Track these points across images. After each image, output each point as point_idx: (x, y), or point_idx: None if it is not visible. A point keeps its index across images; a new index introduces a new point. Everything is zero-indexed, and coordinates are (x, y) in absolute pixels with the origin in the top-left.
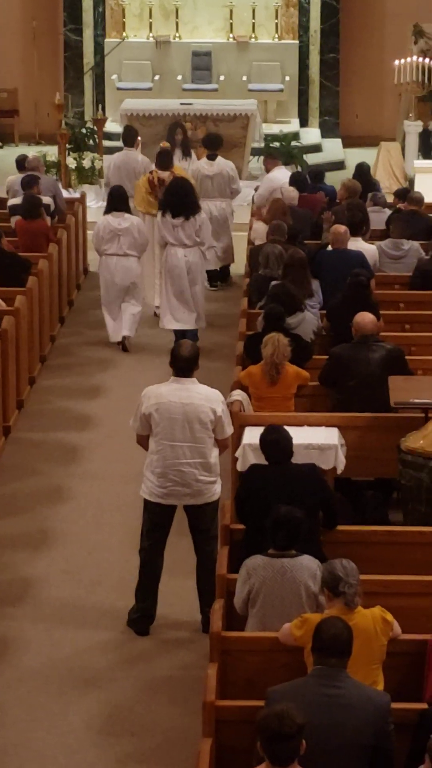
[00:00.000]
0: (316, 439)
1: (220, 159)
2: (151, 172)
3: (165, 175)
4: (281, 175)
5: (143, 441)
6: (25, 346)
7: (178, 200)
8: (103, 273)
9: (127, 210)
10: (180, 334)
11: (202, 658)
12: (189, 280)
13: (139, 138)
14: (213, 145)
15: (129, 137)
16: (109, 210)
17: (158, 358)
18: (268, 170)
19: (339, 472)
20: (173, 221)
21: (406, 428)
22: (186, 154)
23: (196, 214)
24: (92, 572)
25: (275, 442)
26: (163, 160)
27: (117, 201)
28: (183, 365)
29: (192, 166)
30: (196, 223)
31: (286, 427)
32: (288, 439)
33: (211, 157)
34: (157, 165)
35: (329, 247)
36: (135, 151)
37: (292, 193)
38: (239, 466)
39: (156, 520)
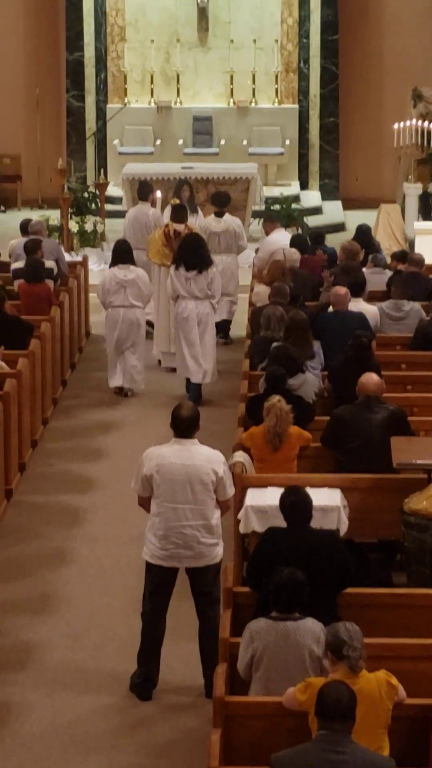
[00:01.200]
0: (319, 501)
1: (227, 216)
2: (167, 225)
3: (180, 228)
4: (280, 237)
5: (145, 503)
6: (27, 408)
7: (192, 254)
8: (109, 325)
9: (132, 262)
10: (191, 384)
11: (205, 723)
12: (200, 332)
13: (157, 193)
14: (221, 203)
15: (142, 192)
16: (114, 263)
17: (160, 419)
18: (267, 233)
19: (342, 533)
20: (186, 274)
21: (409, 489)
22: (193, 210)
23: (209, 267)
24: (94, 636)
25: (295, 505)
26: (178, 214)
27: (122, 254)
28: (184, 426)
29: (200, 223)
30: (208, 276)
31: None
32: (308, 501)
33: (219, 215)
34: (172, 218)
35: (330, 309)
36: (147, 205)
37: (294, 255)
38: (241, 528)
39: (158, 582)
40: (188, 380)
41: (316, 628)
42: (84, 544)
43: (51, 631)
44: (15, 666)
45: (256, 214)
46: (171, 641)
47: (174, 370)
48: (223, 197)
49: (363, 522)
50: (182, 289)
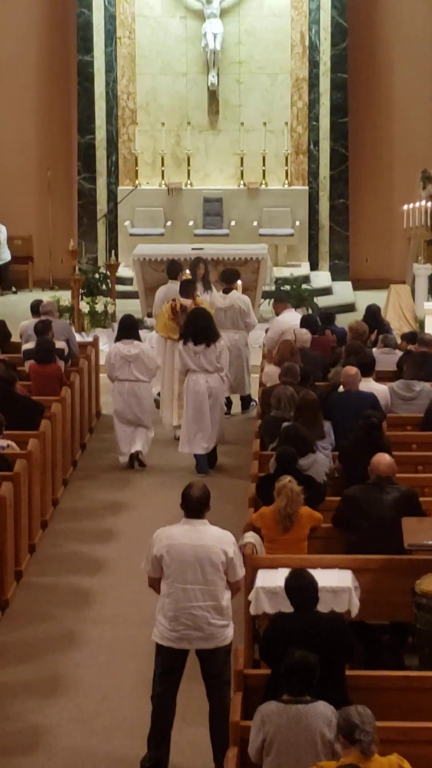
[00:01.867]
0: (330, 582)
1: (234, 293)
2: (173, 300)
3: (187, 302)
4: (290, 317)
5: (155, 584)
6: (37, 489)
7: (200, 329)
8: (116, 398)
9: (137, 337)
10: (200, 457)
11: None
12: (210, 405)
13: (187, 272)
14: (228, 279)
15: (172, 270)
16: (119, 338)
17: (170, 499)
18: (277, 313)
19: (353, 615)
20: (195, 348)
21: (421, 571)
22: (207, 288)
23: (216, 341)
24: (104, 720)
25: (300, 589)
26: (186, 289)
27: (127, 329)
28: (194, 506)
29: (208, 299)
30: (216, 349)
31: None
32: (313, 584)
33: (226, 291)
34: (180, 293)
35: (341, 388)
36: (176, 283)
37: (305, 335)
38: (252, 610)
39: (168, 664)
40: (196, 456)
41: (327, 711)
42: (94, 626)
43: (61, 715)
44: (25, 750)
45: (266, 295)
46: (181, 724)
47: None
48: (230, 274)
49: (374, 603)
50: (192, 363)
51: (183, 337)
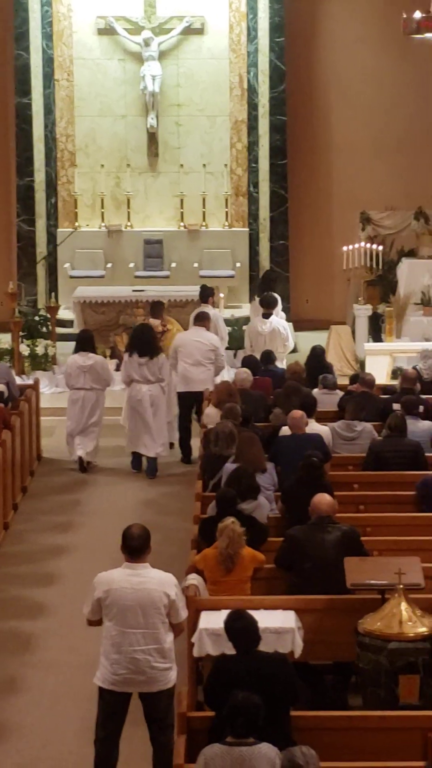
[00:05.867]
0: (273, 623)
1: (274, 318)
2: (145, 319)
3: (156, 323)
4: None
5: (94, 624)
6: None
7: (144, 342)
8: (71, 404)
9: (92, 350)
10: (138, 462)
11: None
12: (152, 412)
13: (215, 295)
14: (268, 305)
15: (204, 294)
16: (77, 350)
17: (112, 543)
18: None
19: (296, 656)
20: (139, 360)
21: (364, 610)
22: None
23: (158, 354)
24: (47, 765)
25: (243, 630)
26: (155, 310)
27: (84, 342)
28: (134, 548)
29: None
30: (158, 362)
31: None
32: (254, 624)
33: (266, 316)
34: (150, 314)
35: (283, 430)
36: (208, 306)
37: (244, 375)
38: (195, 652)
39: (110, 709)
40: (135, 458)
41: (271, 753)
42: (36, 670)
43: (3, 761)
44: None
45: None
46: None
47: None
48: (268, 299)
49: (317, 644)
50: (135, 374)
51: (128, 350)
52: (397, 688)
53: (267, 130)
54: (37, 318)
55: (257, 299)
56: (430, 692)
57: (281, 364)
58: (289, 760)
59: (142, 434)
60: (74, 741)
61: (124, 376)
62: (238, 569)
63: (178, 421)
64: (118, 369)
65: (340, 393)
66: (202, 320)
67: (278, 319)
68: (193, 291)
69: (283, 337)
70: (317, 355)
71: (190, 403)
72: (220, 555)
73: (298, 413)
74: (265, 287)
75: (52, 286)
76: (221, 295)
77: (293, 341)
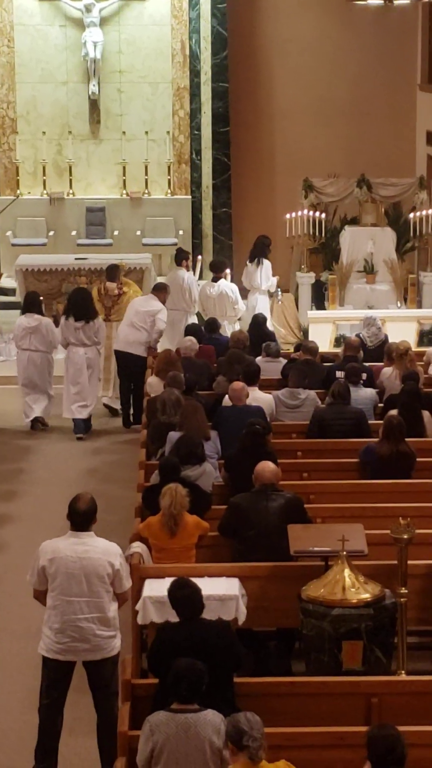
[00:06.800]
0: (217, 590)
1: (222, 281)
2: (101, 282)
3: (111, 286)
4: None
5: (40, 596)
6: None
7: (80, 306)
8: (20, 365)
9: (39, 312)
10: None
11: None
12: (88, 375)
13: (189, 259)
14: (216, 269)
15: (178, 258)
16: (23, 311)
17: (57, 512)
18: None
19: (240, 623)
20: (75, 324)
21: (307, 577)
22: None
23: (95, 318)
24: None
25: (186, 598)
26: (110, 273)
27: (29, 304)
28: (80, 519)
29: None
30: (95, 326)
31: None
32: (198, 592)
33: (215, 280)
34: (106, 277)
35: (226, 400)
36: (182, 269)
37: (189, 343)
38: (139, 620)
39: (54, 677)
40: (75, 424)
41: (216, 719)
42: None
43: None
44: None
45: None
46: (69, 736)
47: (115, 410)
48: (216, 264)
49: (261, 611)
50: (72, 338)
51: (65, 313)
52: (341, 654)
53: (209, 97)
54: None
55: (248, 264)
56: (372, 658)
57: (231, 328)
58: (234, 726)
59: (75, 399)
60: (18, 709)
61: (60, 339)
62: (183, 534)
63: (119, 384)
64: None
65: (284, 361)
66: (158, 290)
67: (227, 282)
68: (135, 258)
69: (231, 300)
70: (259, 323)
71: (124, 364)
72: (163, 516)
73: (238, 385)
74: (258, 252)
75: None
76: (200, 257)
77: (243, 305)
